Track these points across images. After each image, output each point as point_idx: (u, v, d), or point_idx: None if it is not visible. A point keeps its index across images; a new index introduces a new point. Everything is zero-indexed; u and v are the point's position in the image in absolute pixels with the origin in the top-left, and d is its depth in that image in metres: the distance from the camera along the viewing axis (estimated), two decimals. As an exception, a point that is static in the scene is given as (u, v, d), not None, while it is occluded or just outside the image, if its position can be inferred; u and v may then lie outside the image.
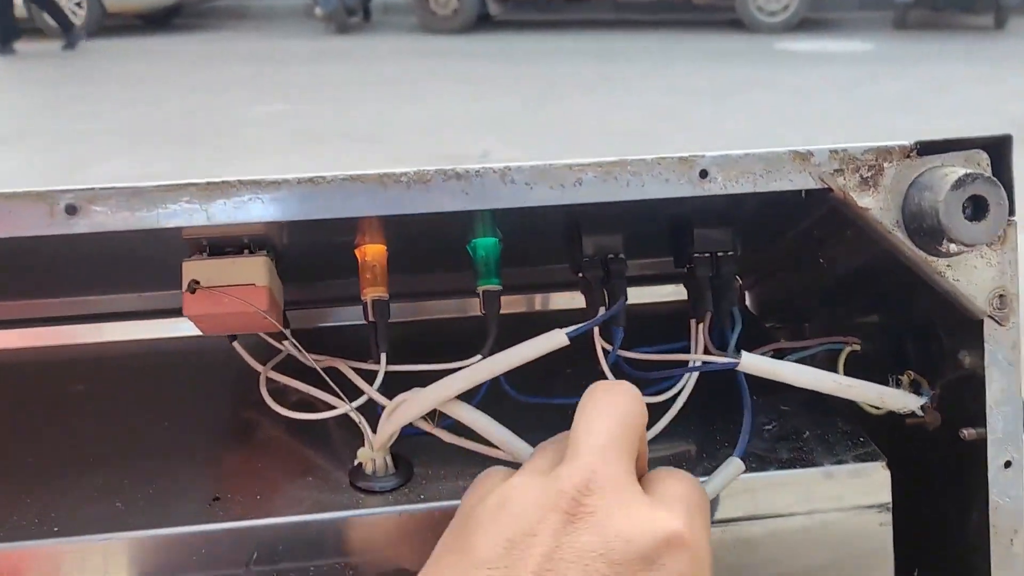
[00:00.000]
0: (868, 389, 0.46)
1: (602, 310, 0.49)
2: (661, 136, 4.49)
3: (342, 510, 0.43)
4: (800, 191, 0.42)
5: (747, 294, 0.65)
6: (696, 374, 0.50)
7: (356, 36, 8.27)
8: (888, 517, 0.46)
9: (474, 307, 0.51)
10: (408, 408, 0.45)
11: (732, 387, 0.48)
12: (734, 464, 0.44)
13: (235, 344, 0.53)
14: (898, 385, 0.48)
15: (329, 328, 0.61)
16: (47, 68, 6.80)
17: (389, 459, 0.46)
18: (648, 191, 0.41)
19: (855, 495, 0.46)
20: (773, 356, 0.49)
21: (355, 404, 0.47)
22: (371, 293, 0.49)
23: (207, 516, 0.42)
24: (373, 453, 0.45)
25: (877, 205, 0.42)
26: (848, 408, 0.50)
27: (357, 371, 0.50)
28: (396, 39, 8.03)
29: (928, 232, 0.41)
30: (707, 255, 0.51)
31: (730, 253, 0.51)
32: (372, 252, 0.50)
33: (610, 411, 0.37)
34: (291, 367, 0.52)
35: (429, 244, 0.54)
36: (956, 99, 5.20)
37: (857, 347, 0.50)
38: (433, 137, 4.54)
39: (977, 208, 0.41)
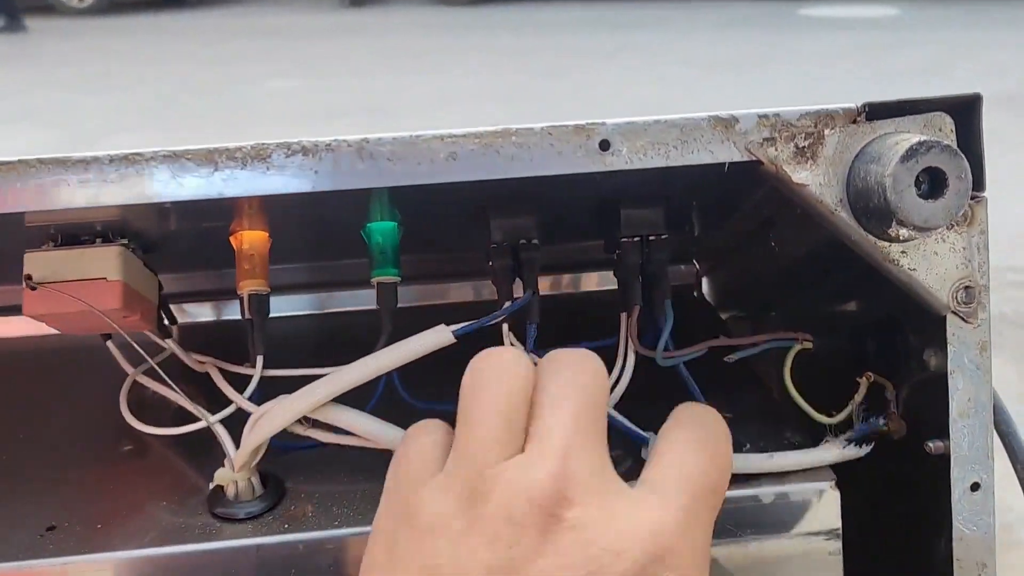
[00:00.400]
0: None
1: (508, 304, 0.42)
2: (678, 110, 4.38)
3: (192, 542, 0.37)
4: (723, 164, 0.35)
5: (704, 280, 0.58)
6: (629, 372, 0.44)
7: (371, 9, 8.18)
8: (838, 545, 0.39)
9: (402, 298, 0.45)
10: (273, 418, 0.39)
11: (672, 381, 0.42)
12: None
13: (109, 343, 0.47)
14: (855, 387, 0.41)
15: (228, 324, 0.54)
16: (60, 45, 6.78)
17: (256, 479, 0.40)
18: (537, 166, 0.34)
19: (800, 519, 0.39)
20: (708, 355, 0.42)
21: (222, 415, 0.41)
22: (248, 286, 0.43)
23: (35, 550, 0.36)
24: (234, 474, 0.39)
25: (816, 180, 0.35)
26: (800, 416, 0.43)
27: (237, 376, 0.44)
28: (410, 12, 7.92)
29: (875, 212, 0.34)
30: (636, 239, 0.44)
31: (663, 236, 0.44)
32: (250, 240, 0.44)
33: (575, 391, 0.32)
34: (178, 371, 0.46)
35: (323, 229, 0.47)
36: (983, 66, 5.03)
37: (808, 344, 0.43)
38: (444, 111, 4.46)
39: (934, 183, 0.34)
